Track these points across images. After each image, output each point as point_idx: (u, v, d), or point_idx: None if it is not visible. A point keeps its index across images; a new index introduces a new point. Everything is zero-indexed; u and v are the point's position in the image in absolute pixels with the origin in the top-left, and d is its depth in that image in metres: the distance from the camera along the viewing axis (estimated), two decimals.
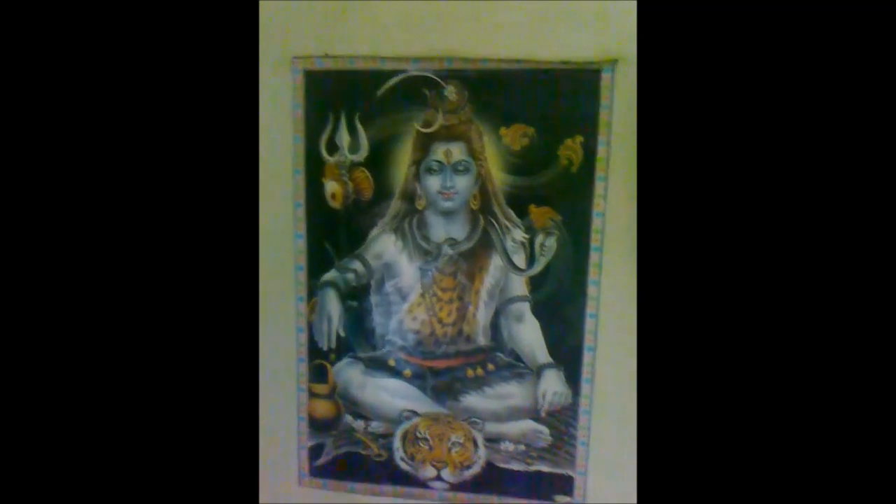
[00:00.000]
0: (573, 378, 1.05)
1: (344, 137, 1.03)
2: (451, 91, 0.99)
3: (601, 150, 0.97)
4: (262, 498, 1.18)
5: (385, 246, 1.06)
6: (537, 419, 1.07)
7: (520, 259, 1.03)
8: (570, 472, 1.08)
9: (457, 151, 1.01)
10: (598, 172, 0.98)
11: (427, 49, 0.98)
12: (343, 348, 1.11)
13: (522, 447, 1.08)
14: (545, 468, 1.08)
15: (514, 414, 1.08)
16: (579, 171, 0.98)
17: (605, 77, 0.95)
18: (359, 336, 1.10)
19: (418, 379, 1.09)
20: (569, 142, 0.98)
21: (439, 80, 0.99)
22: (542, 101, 0.97)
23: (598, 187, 0.98)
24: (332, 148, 1.04)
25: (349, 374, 1.11)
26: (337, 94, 1.02)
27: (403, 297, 1.07)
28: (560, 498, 1.09)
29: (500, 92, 0.97)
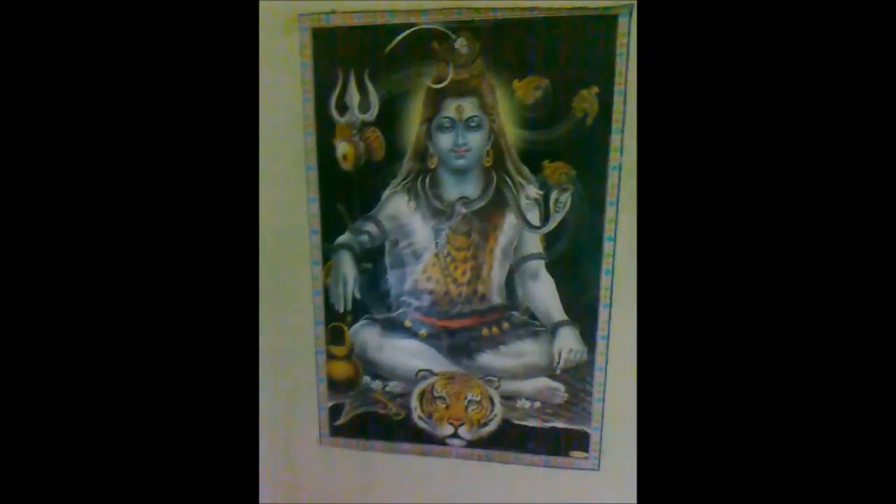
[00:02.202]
0: (588, 335, 1.04)
1: (354, 97, 1.02)
2: (461, 43, 0.96)
3: (617, 101, 0.94)
4: (283, 457, 1.22)
5: (398, 206, 1.05)
6: (553, 376, 1.07)
7: (534, 216, 1.02)
8: (585, 429, 1.09)
9: (468, 107, 0.99)
10: (615, 124, 0.95)
11: (436, 0, 0.95)
12: (359, 310, 1.11)
13: (538, 404, 1.09)
14: (561, 424, 1.09)
15: (530, 372, 1.08)
16: (594, 123, 0.96)
17: (622, 23, 0.91)
18: (374, 298, 1.11)
19: (434, 339, 1.10)
20: (584, 93, 0.95)
21: (449, 32, 0.96)
22: (555, 51, 0.94)
23: (614, 140, 0.96)
24: (343, 108, 1.03)
25: (366, 335, 1.13)
26: (345, 51, 1.00)
27: (417, 258, 1.07)
28: (576, 453, 1.10)
29: (512, 42, 0.95)
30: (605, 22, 0.92)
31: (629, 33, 0.92)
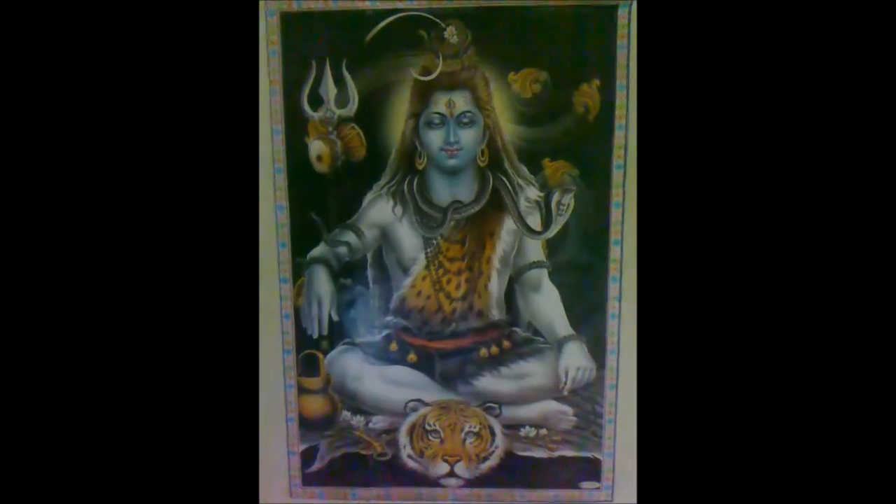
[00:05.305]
0: (598, 350, 0.96)
1: (329, 89, 0.90)
2: (451, 32, 0.88)
3: (620, 95, 0.89)
4: None
5: (382, 213, 0.94)
6: (560, 399, 0.97)
7: (535, 220, 0.93)
8: (596, 455, 0.99)
9: (461, 101, 0.90)
10: (618, 120, 0.89)
11: None
12: (336, 334, 0.97)
13: (544, 431, 0.98)
14: (569, 452, 0.98)
15: (534, 395, 0.97)
16: (597, 119, 0.89)
17: (622, 14, 0.86)
18: (354, 319, 0.97)
19: (425, 363, 0.97)
20: (584, 87, 0.88)
21: (438, 19, 0.88)
22: (554, 42, 0.87)
23: (618, 137, 0.90)
24: (316, 102, 0.91)
25: (345, 363, 0.98)
26: (319, 38, 0.89)
27: (405, 271, 0.95)
28: (587, 484, 1.00)
29: (507, 32, 0.87)
30: (605, 12, 0.87)
31: (629, 24, 0.87)
